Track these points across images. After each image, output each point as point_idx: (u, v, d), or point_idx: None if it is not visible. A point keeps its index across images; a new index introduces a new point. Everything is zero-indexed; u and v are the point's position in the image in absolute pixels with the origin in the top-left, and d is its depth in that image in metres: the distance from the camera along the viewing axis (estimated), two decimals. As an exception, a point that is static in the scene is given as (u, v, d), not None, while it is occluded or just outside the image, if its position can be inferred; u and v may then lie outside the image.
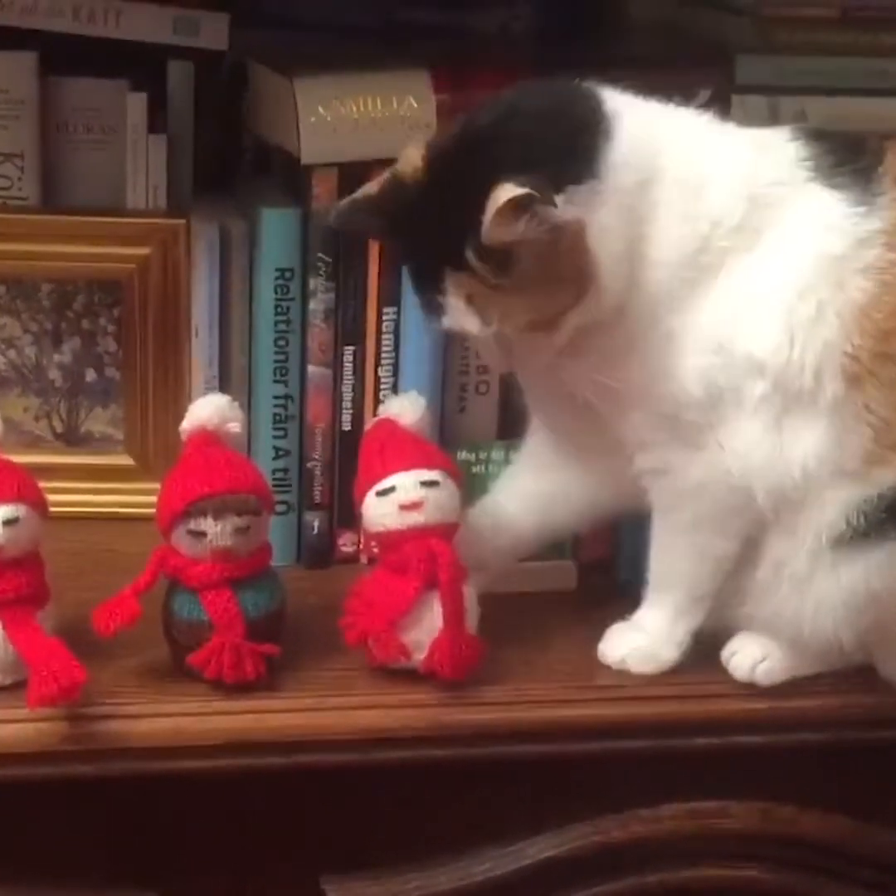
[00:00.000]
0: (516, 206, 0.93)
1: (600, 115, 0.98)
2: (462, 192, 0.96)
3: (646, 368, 1.00)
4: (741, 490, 1.02)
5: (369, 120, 1.14)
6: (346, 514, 1.21)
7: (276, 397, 1.20)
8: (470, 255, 0.96)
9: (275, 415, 1.20)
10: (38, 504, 1.02)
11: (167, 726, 1.01)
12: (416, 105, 1.15)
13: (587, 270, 0.96)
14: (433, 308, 1.00)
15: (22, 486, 1.01)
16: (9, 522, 0.99)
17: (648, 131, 0.99)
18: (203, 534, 1.02)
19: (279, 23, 1.29)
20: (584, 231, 0.96)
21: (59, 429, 1.26)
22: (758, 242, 1.00)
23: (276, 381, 1.19)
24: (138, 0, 1.21)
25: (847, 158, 1.01)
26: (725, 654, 1.08)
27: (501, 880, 1.07)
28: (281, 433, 1.20)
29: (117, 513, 1.23)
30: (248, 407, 1.19)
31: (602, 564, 1.19)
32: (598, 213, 0.96)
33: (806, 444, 1.01)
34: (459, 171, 0.97)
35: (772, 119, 1.16)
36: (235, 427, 1.06)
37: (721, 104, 1.14)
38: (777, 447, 1.01)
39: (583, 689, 1.06)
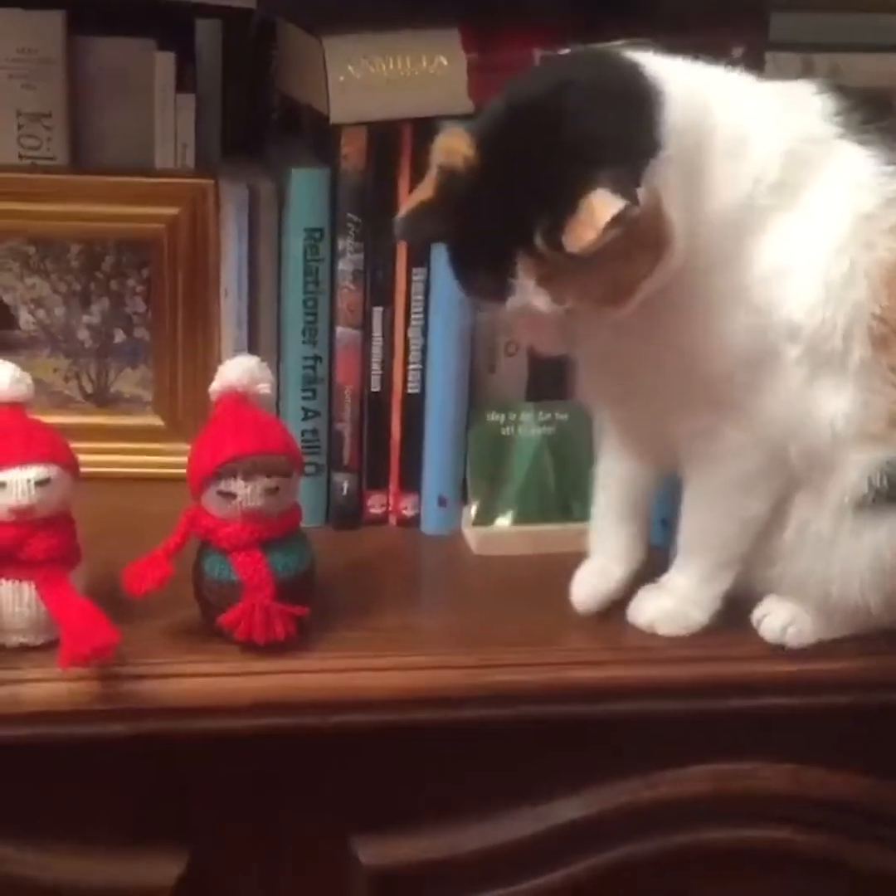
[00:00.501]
0: (615, 221, 0.92)
1: (649, 83, 0.97)
2: (527, 174, 0.94)
3: (693, 329, 1.00)
4: (776, 450, 1.02)
5: (399, 78, 1.14)
6: (375, 475, 1.22)
7: (305, 358, 1.19)
8: (539, 241, 0.94)
9: (304, 376, 1.20)
10: (69, 464, 1.02)
11: (198, 686, 1.01)
12: (446, 63, 1.14)
13: (664, 236, 0.95)
14: (496, 291, 0.97)
15: (53, 446, 1.01)
16: (40, 483, 1.00)
17: (694, 93, 0.98)
18: (233, 495, 1.02)
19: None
20: (661, 200, 0.95)
21: (89, 389, 1.26)
22: (796, 200, 0.99)
23: (305, 343, 1.19)
24: (166, -42, 1.20)
25: (874, 115, 1.01)
26: (756, 616, 1.08)
27: (531, 840, 1.07)
28: (310, 394, 1.20)
29: (147, 473, 1.23)
30: (277, 368, 1.19)
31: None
32: (668, 179, 0.95)
33: (836, 405, 1.00)
34: (520, 153, 0.95)
35: (805, 76, 1.15)
36: (265, 388, 1.06)
37: (755, 61, 1.14)
38: (809, 408, 1.01)
39: (611, 651, 1.06)
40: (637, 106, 0.96)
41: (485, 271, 0.98)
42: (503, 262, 0.96)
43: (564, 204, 0.92)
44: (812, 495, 1.03)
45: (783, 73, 1.13)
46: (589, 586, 1.10)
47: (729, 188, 0.98)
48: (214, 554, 1.03)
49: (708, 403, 1.02)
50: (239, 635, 1.02)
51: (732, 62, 1.11)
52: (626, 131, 0.95)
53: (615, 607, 1.09)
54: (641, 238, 0.95)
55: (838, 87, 1.02)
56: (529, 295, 0.96)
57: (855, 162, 1.00)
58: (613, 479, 1.11)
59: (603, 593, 1.09)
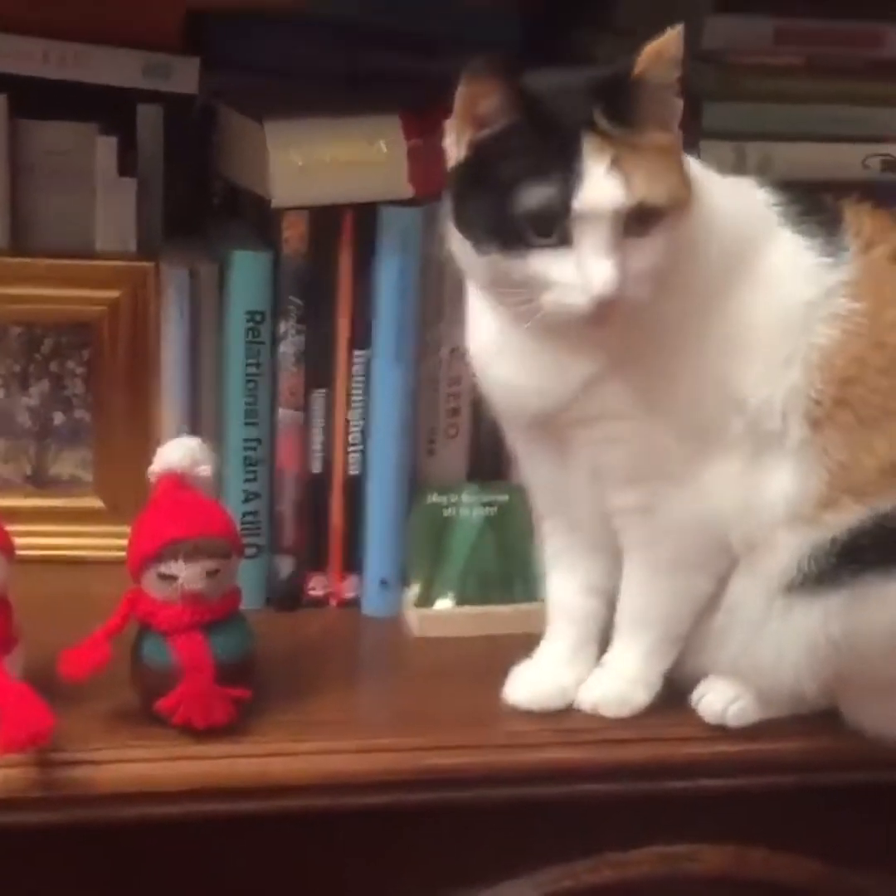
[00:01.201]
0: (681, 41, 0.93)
1: None
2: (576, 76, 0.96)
3: (649, 397, 1.00)
4: (716, 530, 1.02)
5: (340, 163, 1.15)
6: (316, 557, 1.21)
7: (245, 440, 1.19)
8: (601, 120, 0.93)
9: (245, 458, 1.19)
10: (5, 547, 1.01)
11: (136, 772, 1.00)
12: (386, 149, 1.16)
13: (688, 180, 0.96)
14: (563, 191, 0.93)
15: (-8, 528, 1.01)
16: (-20, 567, 0.99)
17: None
18: (173, 577, 1.01)
19: (249, 67, 1.29)
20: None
21: (28, 471, 1.25)
22: (747, 280, 1.01)
23: (246, 424, 1.19)
24: (108, 44, 1.21)
25: (811, 209, 1.03)
26: (695, 696, 1.08)
27: (473, 925, 1.06)
28: (251, 476, 1.20)
29: (87, 556, 1.23)
30: (218, 450, 1.19)
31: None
32: None
33: (775, 485, 1.01)
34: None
35: (738, 164, 1.17)
36: (205, 470, 1.06)
37: (690, 149, 1.16)
38: (751, 486, 1.02)
39: (553, 733, 1.06)
40: None
41: (551, 165, 0.93)
42: (570, 147, 0.93)
43: (619, 83, 0.94)
44: (746, 576, 1.04)
45: (716, 162, 1.15)
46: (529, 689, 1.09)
47: (692, 261, 0.99)
48: (153, 637, 1.02)
49: (648, 477, 1.02)
50: (177, 720, 1.01)
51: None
52: None
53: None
54: (676, 159, 0.96)
55: (775, 182, 1.05)
56: (600, 183, 0.93)
57: (797, 251, 1.02)
58: (566, 596, 1.10)
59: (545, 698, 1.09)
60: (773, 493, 1.01)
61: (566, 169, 0.93)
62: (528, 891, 1.06)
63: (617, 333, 0.98)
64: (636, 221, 0.94)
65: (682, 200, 0.96)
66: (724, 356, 1.00)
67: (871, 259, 1.02)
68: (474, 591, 1.21)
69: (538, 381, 1.01)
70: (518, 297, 0.96)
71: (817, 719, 1.07)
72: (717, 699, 1.07)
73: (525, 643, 1.11)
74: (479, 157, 0.96)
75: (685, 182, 0.97)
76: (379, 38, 1.31)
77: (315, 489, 1.21)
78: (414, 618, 1.20)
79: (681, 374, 1.00)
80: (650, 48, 0.94)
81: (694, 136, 1.17)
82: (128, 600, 1.03)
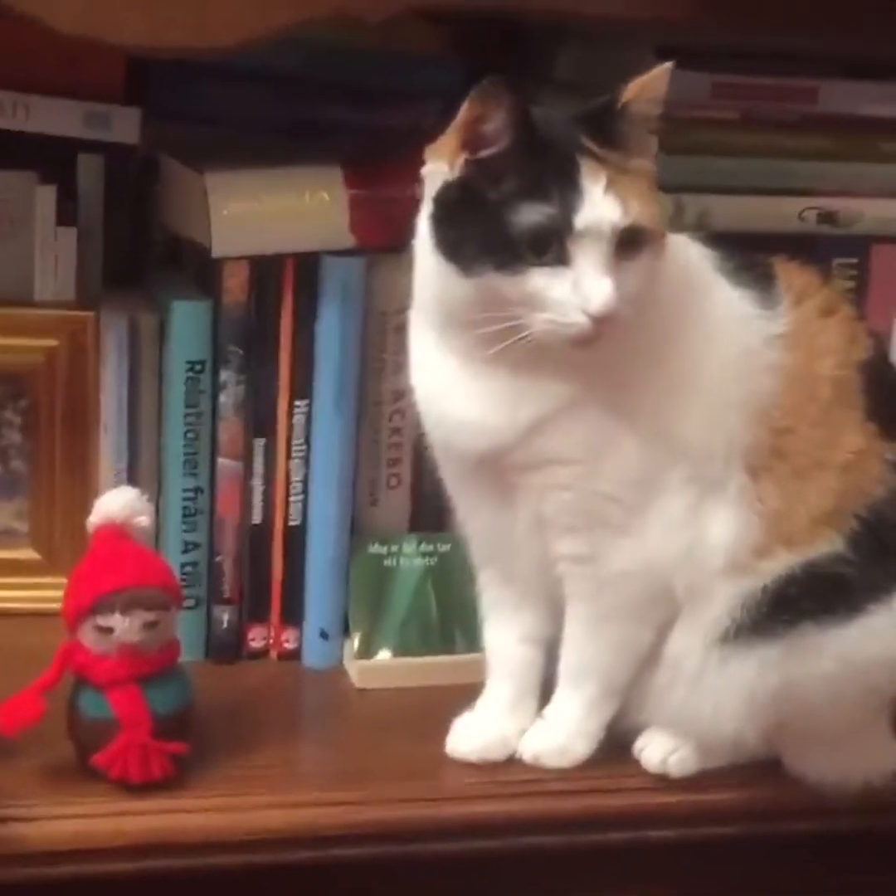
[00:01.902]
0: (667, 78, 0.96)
1: None
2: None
3: (596, 443, 1.01)
4: (661, 579, 1.03)
5: (281, 213, 1.15)
6: (256, 608, 1.20)
7: (185, 490, 1.19)
8: (590, 143, 0.96)
9: (184, 508, 1.19)
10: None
11: (72, 828, 0.98)
12: (328, 199, 1.16)
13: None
14: (568, 204, 0.94)
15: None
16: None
17: None
18: (110, 629, 1.00)
19: (190, 118, 1.29)
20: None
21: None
22: (691, 328, 1.02)
23: (185, 474, 1.18)
24: (49, 94, 1.21)
25: (744, 264, 1.05)
26: (637, 747, 1.08)
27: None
28: (190, 527, 1.19)
29: (22, 608, 1.21)
30: (157, 500, 1.18)
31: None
32: None
33: (716, 532, 1.02)
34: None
35: (677, 216, 1.18)
36: (144, 520, 1.05)
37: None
38: (695, 535, 1.02)
39: (495, 785, 1.05)
40: None
41: (551, 184, 0.95)
42: (568, 168, 0.95)
43: (605, 111, 0.97)
44: (685, 629, 1.04)
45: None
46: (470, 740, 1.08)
47: (645, 306, 0.99)
48: (90, 690, 1.01)
49: (591, 526, 1.02)
50: (114, 774, 1.00)
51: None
52: None
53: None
54: (655, 188, 0.98)
55: (708, 237, 1.06)
56: (599, 203, 0.94)
57: (735, 302, 1.03)
58: (505, 647, 1.10)
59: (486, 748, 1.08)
60: (714, 541, 1.02)
61: (566, 188, 0.94)
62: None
63: (569, 375, 0.98)
64: (626, 244, 0.95)
65: (661, 227, 0.98)
66: (671, 402, 1.01)
67: (802, 312, 1.04)
68: (415, 642, 1.20)
69: (486, 418, 1.01)
70: (504, 319, 0.96)
71: (759, 768, 1.07)
72: (658, 750, 1.07)
73: (466, 694, 1.11)
74: (474, 176, 0.97)
75: (662, 209, 0.99)
76: (321, 89, 1.31)
77: (255, 539, 1.20)
78: (354, 669, 1.19)
79: (629, 418, 1.01)
80: (637, 81, 0.97)
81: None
82: (63, 653, 1.01)
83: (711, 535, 1.02)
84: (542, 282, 0.94)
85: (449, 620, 1.21)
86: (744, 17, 1.12)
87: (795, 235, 1.21)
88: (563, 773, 1.06)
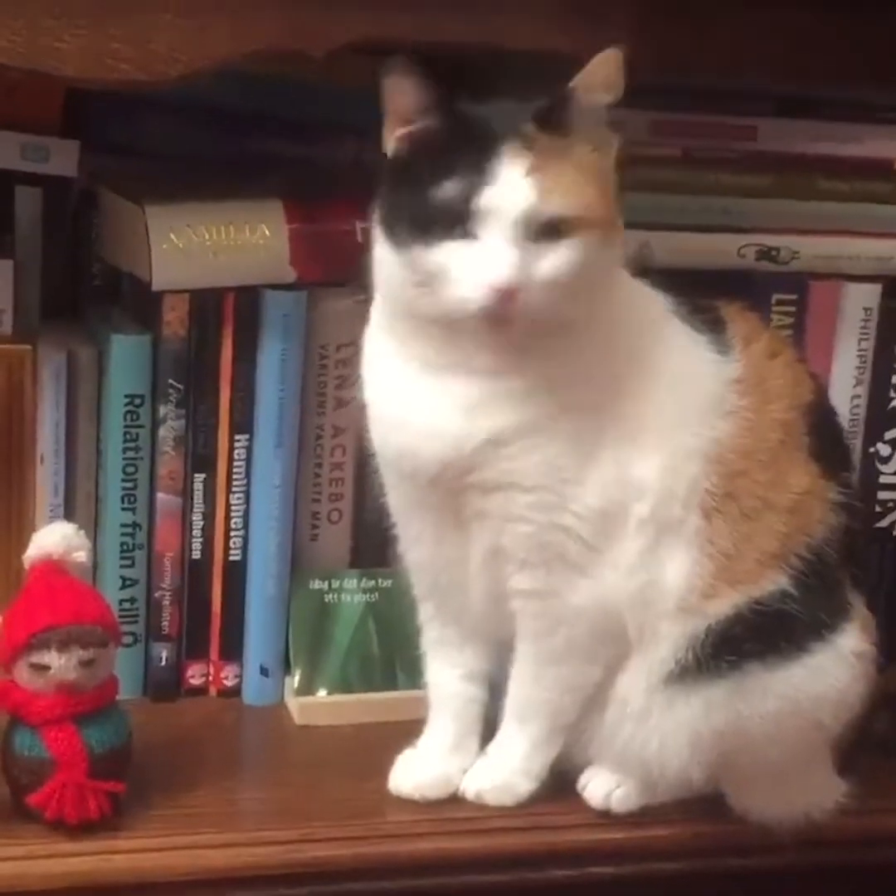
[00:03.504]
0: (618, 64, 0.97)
1: None
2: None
3: (550, 479, 1.00)
4: (615, 617, 1.02)
5: (222, 247, 1.14)
6: (195, 645, 1.19)
7: (123, 525, 1.17)
8: (530, 127, 0.96)
9: (122, 543, 1.17)
10: None
11: (7, 870, 0.97)
12: (268, 233, 1.15)
13: (614, 213, 0.99)
14: (477, 182, 0.95)
15: None
16: None
17: None
18: (46, 667, 0.99)
19: (129, 150, 1.29)
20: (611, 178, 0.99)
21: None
22: (651, 370, 1.02)
23: (124, 509, 1.17)
24: (-14, 125, 1.20)
25: (697, 308, 1.06)
26: (580, 782, 1.07)
27: None
28: (128, 562, 1.18)
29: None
30: (95, 535, 1.17)
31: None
32: None
33: (670, 574, 1.02)
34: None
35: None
36: (81, 556, 1.04)
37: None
38: (650, 575, 1.02)
39: (436, 823, 1.05)
40: None
41: (466, 163, 0.96)
42: (489, 150, 0.95)
43: (552, 95, 0.97)
44: (631, 669, 1.03)
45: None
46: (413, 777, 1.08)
47: (607, 342, 1.01)
48: (25, 729, 1.00)
49: (547, 561, 1.02)
50: (50, 815, 0.98)
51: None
52: None
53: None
54: (602, 179, 0.98)
55: (657, 279, 1.06)
56: (511, 185, 0.95)
57: (694, 346, 1.04)
58: (447, 683, 1.09)
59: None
60: (668, 583, 1.02)
61: (481, 168, 0.95)
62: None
63: (532, 395, 0.99)
64: (548, 229, 0.95)
65: (598, 219, 0.97)
66: (631, 443, 1.01)
67: (752, 357, 1.04)
68: (356, 679, 1.20)
69: (444, 426, 1.00)
70: (429, 295, 0.97)
71: (702, 803, 1.07)
72: (601, 786, 1.07)
73: (408, 730, 1.10)
74: (404, 153, 0.99)
75: (605, 203, 0.98)
76: (261, 122, 1.31)
77: (194, 575, 1.19)
78: (295, 706, 1.18)
79: (591, 452, 1.01)
80: (588, 66, 0.97)
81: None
82: (-1, 692, 1.00)
83: (666, 578, 1.02)
84: (450, 255, 0.95)
85: (390, 656, 1.20)
86: (681, 56, 1.13)
87: (734, 271, 1.22)
88: (505, 811, 1.06)
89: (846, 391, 1.25)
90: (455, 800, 1.07)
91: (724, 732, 1.02)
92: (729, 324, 1.05)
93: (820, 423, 1.06)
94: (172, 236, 1.13)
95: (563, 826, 1.05)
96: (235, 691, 1.20)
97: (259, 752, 1.18)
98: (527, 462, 1.00)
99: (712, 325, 1.05)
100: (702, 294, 1.07)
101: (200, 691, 1.20)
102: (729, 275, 1.21)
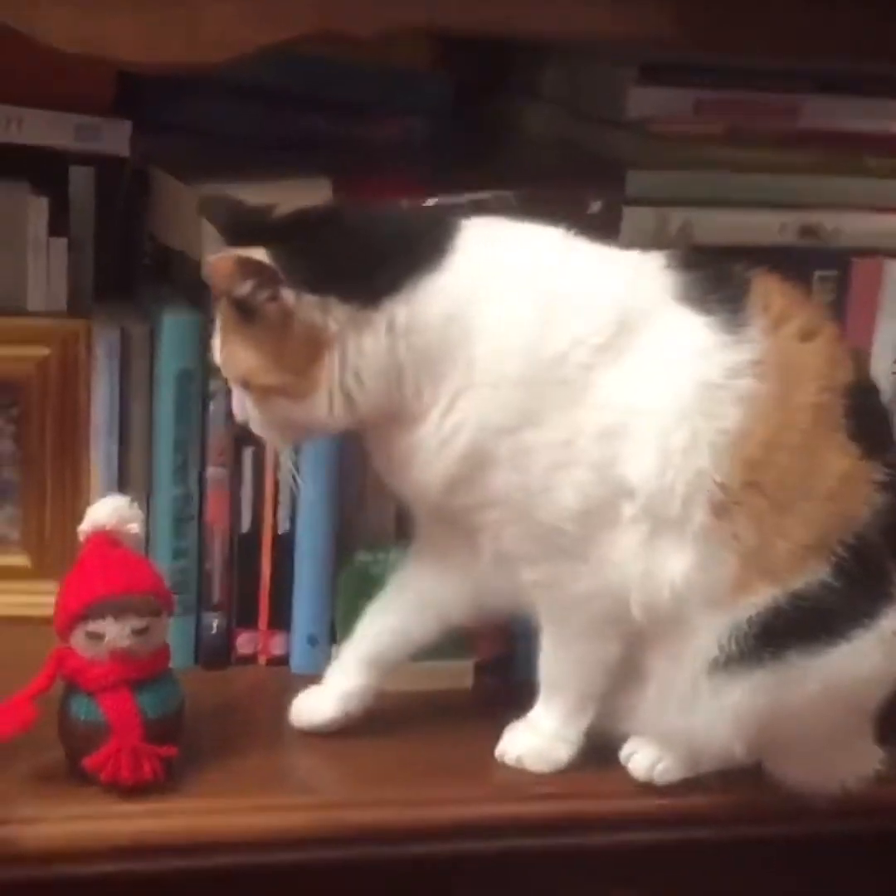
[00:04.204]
0: (244, 267, 0.99)
1: (440, 235, 1.01)
2: None
3: (511, 482, 1.01)
4: (619, 600, 1.03)
5: (270, 227, 1.16)
6: (245, 614, 1.22)
7: (175, 498, 1.20)
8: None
9: (174, 515, 1.20)
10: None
11: (65, 830, 1.00)
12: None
13: (314, 377, 1.00)
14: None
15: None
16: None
17: (477, 265, 1.00)
18: (101, 635, 1.02)
19: (180, 131, 1.31)
20: (326, 342, 0.99)
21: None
22: (626, 361, 1.00)
23: (175, 482, 1.20)
24: (41, 107, 1.22)
25: (716, 284, 1.02)
26: (624, 753, 1.09)
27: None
28: (180, 534, 1.20)
29: (13, 615, 1.22)
30: (148, 508, 1.19)
31: (499, 662, 1.20)
32: (362, 334, 0.99)
33: (674, 567, 1.01)
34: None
35: (660, 231, 1.20)
36: (134, 528, 1.06)
37: (612, 215, 1.18)
38: (649, 566, 1.02)
39: (479, 788, 1.07)
40: (403, 250, 1.00)
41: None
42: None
43: None
44: (669, 654, 1.04)
45: (639, 228, 1.18)
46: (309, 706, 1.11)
47: (526, 349, 0.99)
48: (81, 695, 1.02)
49: (548, 554, 1.03)
50: (105, 777, 1.01)
51: (590, 216, 1.16)
52: (368, 264, 1.00)
53: (483, 742, 1.10)
54: (291, 359, 1.00)
55: (685, 256, 1.05)
56: (217, 348, 1.05)
57: (696, 331, 1.01)
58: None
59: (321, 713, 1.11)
60: (674, 574, 1.01)
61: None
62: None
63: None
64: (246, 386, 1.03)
65: (282, 387, 1.01)
66: (604, 443, 1.00)
67: (779, 338, 1.01)
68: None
69: (413, 472, 1.03)
70: None
71: (740, 772, 1.08)
72: (644, 758, 1.08)
73: (450, 699, 1.12)
74: None
75: (294, 372, 1.00)
76: (310, 103, 1.33)
77: (244, 547, 1.21)
78: (342, 675, 1.20)
79: (557, 461, 1.00)
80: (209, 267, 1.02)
81: (617, 203, 1.20)
82: (55, 659, 1.03)
83: (670, 568, 1.01)
84: None
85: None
86: (725, 35, 1.13)
87: (776, 248, 1.23)
88: (545, 777, 1.08)
89: (887, 368, 1.25)
90: (496, 767, 1.09)
91: (767, 714, 1.02)
92: (754, 303, 1.02)
93: (860, 404, 1.02)
94: (222, 215, 1.15)
95: (603, 793, 1.07)
96: (283, 660, 1.22)
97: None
98: (491, 487, 1.01)
99: (729, 304, 1.01)
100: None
101: (250, 660, 1.22)
102: (770, 251, 1.21)
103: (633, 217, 1.19)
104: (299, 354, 1.00)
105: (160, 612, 1.04)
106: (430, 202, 1.14)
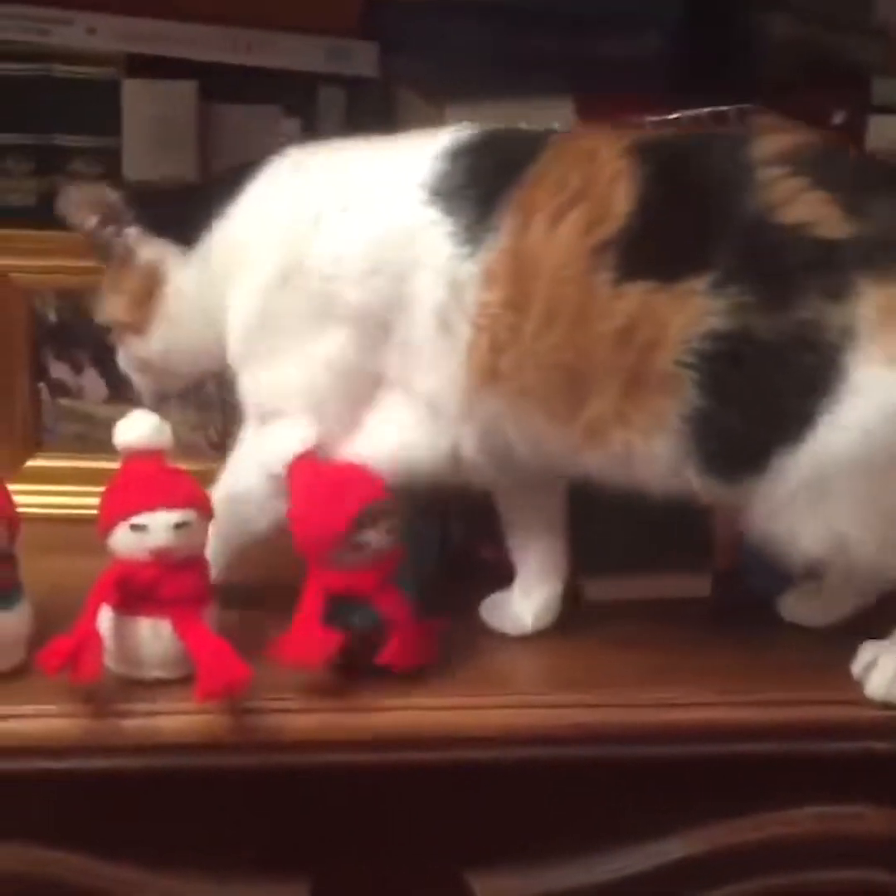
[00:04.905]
0: (91, 200, 1.11)
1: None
2: None
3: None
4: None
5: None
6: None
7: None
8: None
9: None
10: (205, 509, 1.07)
11: (321, 721, 1.05)
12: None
13: (151, 311, 1.12)
14: None
15: (191, 492, 1.06)
16: (180, 526, 1.05)
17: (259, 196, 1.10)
18: (367, 544, 1.05)
19: (424, 51, 1.33)
20: (160, 278, 1.11)
21: (214, 439, 1.30)
22: (406, 289, 1.05)
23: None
24: (291, 31, 1.26)
25: (475, 181, 1.04)
26: (857, 667, 1.08)
27: (641, 877, 1.09)
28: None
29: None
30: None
31: (734, 572, 1.21)
32: (184, 270, 1.11)
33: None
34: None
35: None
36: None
37: (857, 126, 1.17)
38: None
39: (719, 693, 1.08)
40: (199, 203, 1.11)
41: None
42: None
43: None
44: None
45: (886, 138, 1.16)
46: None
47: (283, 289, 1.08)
48: (351, 606, 1.05)
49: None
50: (396, 667, 1.05)
51: (833, 127, 1.15)
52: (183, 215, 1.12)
53: (728, 650, 1.11)
54: (137, 290, 1.12)
55: (456, 146, 1.06)
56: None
57: (436, 243, 1.04)
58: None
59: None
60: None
61: None
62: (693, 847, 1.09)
63: None
64: None
65: (127, 323, 1.13)
66: (312, 330, 1.08)
67: (525, 237, 1.01)
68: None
69: None
70: None
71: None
72: (883, 676, 1.07)
73: (683, 607, 1.14)
74: None
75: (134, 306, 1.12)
76: (549, 20, 1.33)
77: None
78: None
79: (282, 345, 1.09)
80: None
81: (862, 111, 1.18)
82: (317, 583, 1.06)
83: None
84: None
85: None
86: None
87: None
88: (783, 684, 1.08)
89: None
90: (725, 671, 1.10)
91: None
92: (510, 198, 1.02)
93: (647, 228, 1.00)
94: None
95: (846, 701, 1.07)
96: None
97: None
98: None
99: (477, 203, 1.03)
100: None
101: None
102: None
103: (880, 126, 1.17)
104: (141, 290, 1.11)
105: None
106: (673, 116, 1.15)
